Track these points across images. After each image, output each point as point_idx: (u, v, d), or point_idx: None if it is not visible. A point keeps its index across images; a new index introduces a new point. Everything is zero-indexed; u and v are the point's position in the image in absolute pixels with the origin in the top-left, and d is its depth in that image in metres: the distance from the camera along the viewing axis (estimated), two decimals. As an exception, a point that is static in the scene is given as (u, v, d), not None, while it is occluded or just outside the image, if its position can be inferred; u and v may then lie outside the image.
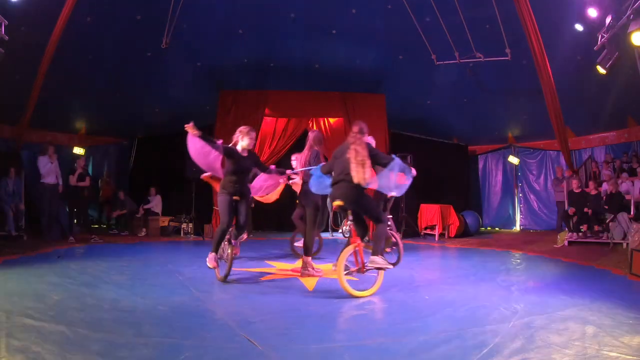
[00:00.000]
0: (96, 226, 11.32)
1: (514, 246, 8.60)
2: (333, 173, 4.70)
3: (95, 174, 11.46)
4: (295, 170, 5.93)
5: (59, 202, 8.88)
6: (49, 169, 8.53)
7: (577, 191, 8.99)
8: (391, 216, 6.19)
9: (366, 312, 3.91)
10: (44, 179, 8.52)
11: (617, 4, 6.44)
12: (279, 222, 11.19)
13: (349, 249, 4.55)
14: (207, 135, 5.14)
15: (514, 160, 12.42)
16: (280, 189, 5.96)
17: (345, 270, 4.45)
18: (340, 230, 10.35)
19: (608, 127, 10.85)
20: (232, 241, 5.28)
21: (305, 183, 5.60)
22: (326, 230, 10.76)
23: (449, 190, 11.50)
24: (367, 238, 4.73)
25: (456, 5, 8.20)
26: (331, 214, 10.25)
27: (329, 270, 5.73)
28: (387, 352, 2.90)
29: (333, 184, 4.62)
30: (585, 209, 8.52)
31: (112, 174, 11.95)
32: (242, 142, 5.20)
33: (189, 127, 4.85)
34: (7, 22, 6.45)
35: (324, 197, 5.56)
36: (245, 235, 5.78)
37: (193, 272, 5.59)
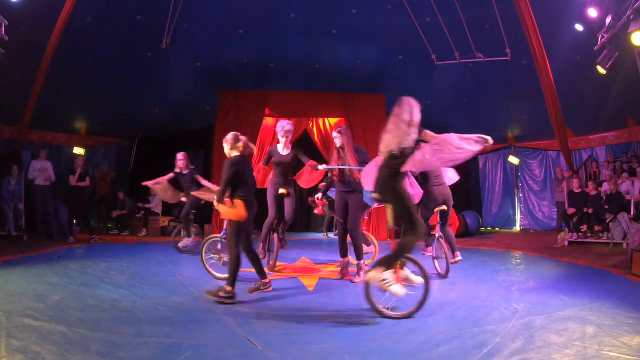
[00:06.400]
0: (96, 226, 11.31)
1: (514, 246, 8.60)
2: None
3: (94, 174, 11.44)
4: (336, 166, 5.24)
5: (56, 202, 9.08)
6: (34, 172, 8.91)
7: (577, 191, 8.99)
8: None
9: (366, 312, 3.91)
10: (34, 181, 8.90)
11: (617, 4, 6.44)
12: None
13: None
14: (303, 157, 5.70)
15: (514, 160, 12.41)
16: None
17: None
18: (333, 233, 10.38)
19: (608, 127, 10.83)
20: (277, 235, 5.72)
21: (349, 183, 5.15)
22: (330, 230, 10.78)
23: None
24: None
25: (456, 5, 8.19)
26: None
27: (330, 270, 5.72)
28: (387, 352, 2.90)
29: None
30: (585, 209, 8.53)
31: (109, 169, 11.88)
32: (281, 139, 5.73)
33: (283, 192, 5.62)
34: (7, 22, 6.46)
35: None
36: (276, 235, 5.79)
37: (193, 272, 5.59)
